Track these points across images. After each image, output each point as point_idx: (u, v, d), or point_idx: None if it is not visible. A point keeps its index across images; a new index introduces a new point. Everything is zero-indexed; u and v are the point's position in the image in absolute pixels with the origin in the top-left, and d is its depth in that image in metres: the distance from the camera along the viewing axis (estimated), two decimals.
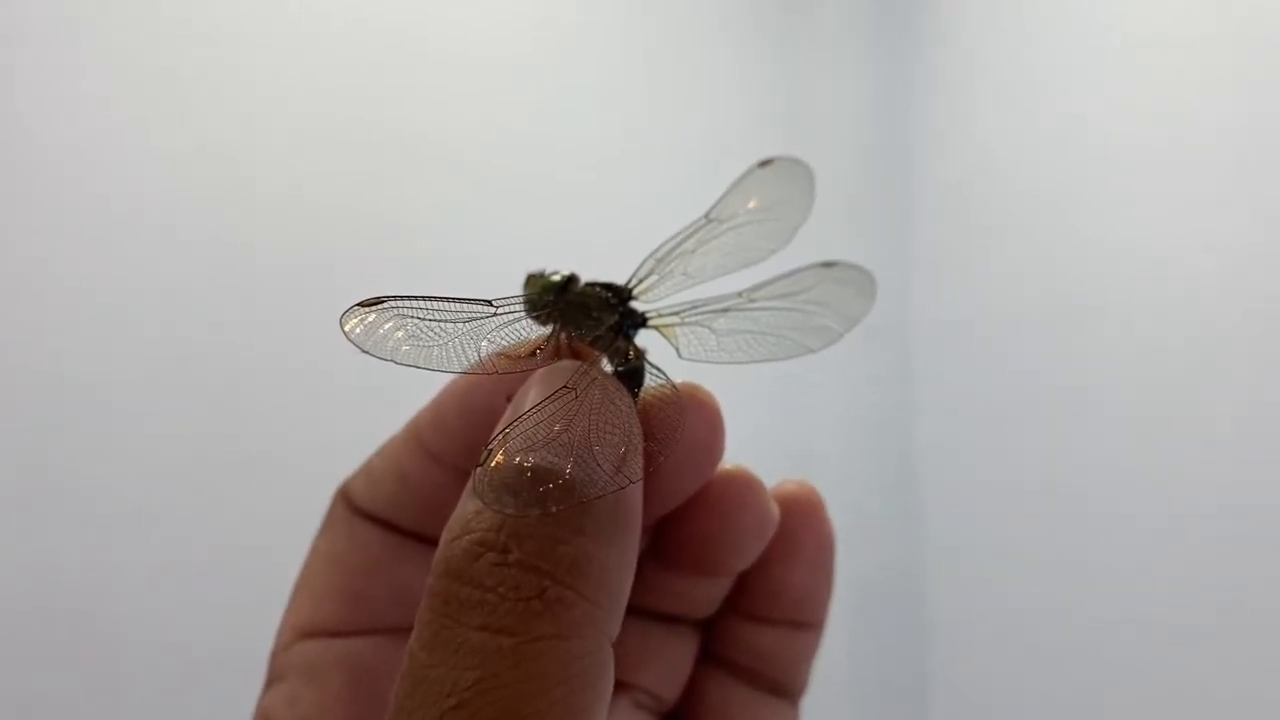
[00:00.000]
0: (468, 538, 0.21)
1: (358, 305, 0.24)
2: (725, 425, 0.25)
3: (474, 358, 0.25)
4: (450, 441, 0.27)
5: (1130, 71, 1.09)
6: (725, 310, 0.29)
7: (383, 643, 0.27)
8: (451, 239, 1.10)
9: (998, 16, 1.28)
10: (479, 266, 0.94)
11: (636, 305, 0.28)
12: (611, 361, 0.27)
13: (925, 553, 1.32)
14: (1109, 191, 1.10)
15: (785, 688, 0.29)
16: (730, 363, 0.29)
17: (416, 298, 0.24)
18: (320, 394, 0.99)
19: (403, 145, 1.08)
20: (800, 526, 0.28)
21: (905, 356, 1.36)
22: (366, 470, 0.28)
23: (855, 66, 1.42)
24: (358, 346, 0.23)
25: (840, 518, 0.29)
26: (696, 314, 0.29)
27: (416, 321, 0.24)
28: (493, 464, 0.21)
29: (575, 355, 0.27)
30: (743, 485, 0.26)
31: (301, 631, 0.27)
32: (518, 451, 0.21)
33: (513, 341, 0.26)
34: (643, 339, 0.28)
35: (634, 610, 0.27)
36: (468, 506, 0.22)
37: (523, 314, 0.26)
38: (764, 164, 0.30)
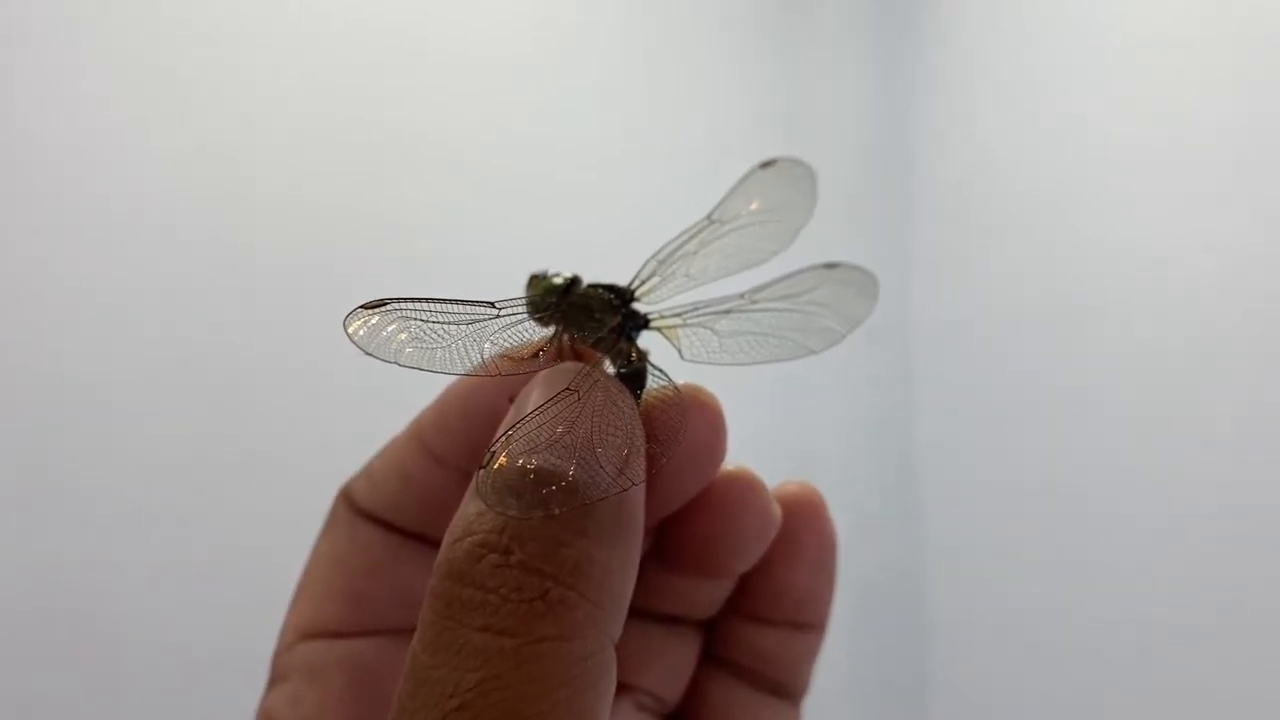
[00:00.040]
0: (470, 539, 0.21)
1: (361, 307, 0.24)
2: (727, 426, 0.25)
3: (477, 359, 0.25)
4: (453, 443, 0.27)
5: (1130, 71, 1.09)
6: (727, 312, 0.29)
7: (385, 644, 0.27)
8: (451, 239, 1.10)
9: (998, 16, 1.28)
10: (479, 267, 0.94)
11: (639, 307, 0.28)
12: (614, 363, 0.27)
13: (925, 553, 1.32)
14: (1109, 191, 1.10)
15: (787, 688, 0.29)
16: (732, 364, 0.29)
17: (420, 299, 0.24)
18: (320, 394, 0.99)
19: (403, 145, 1.08)
20: (802, 527, 0.28)
21: (905, 357, 1.36)
22: (368, 471, 0.28)
23: (855, 66, 1.42)
24: (361, 349, 0.23)
25: (841, 518, 0.29)
26: (699, 315, 0.29)
27: (420, 323, 0.24)
28: (495, 466, 0.21)
29: (578, 357, 0.27)
30: (745, 486, 0.26)
31: (304, 632, 0.27)
32: (520, 453, 0.21)
33: (515, 343, 0.26)
34: (645, 340, 0.28)
35: (636, 612, 0.27)
36: (470, 508, 0.22)
37: (525, 316, 0.26)
38: (766, 165, 0.30)
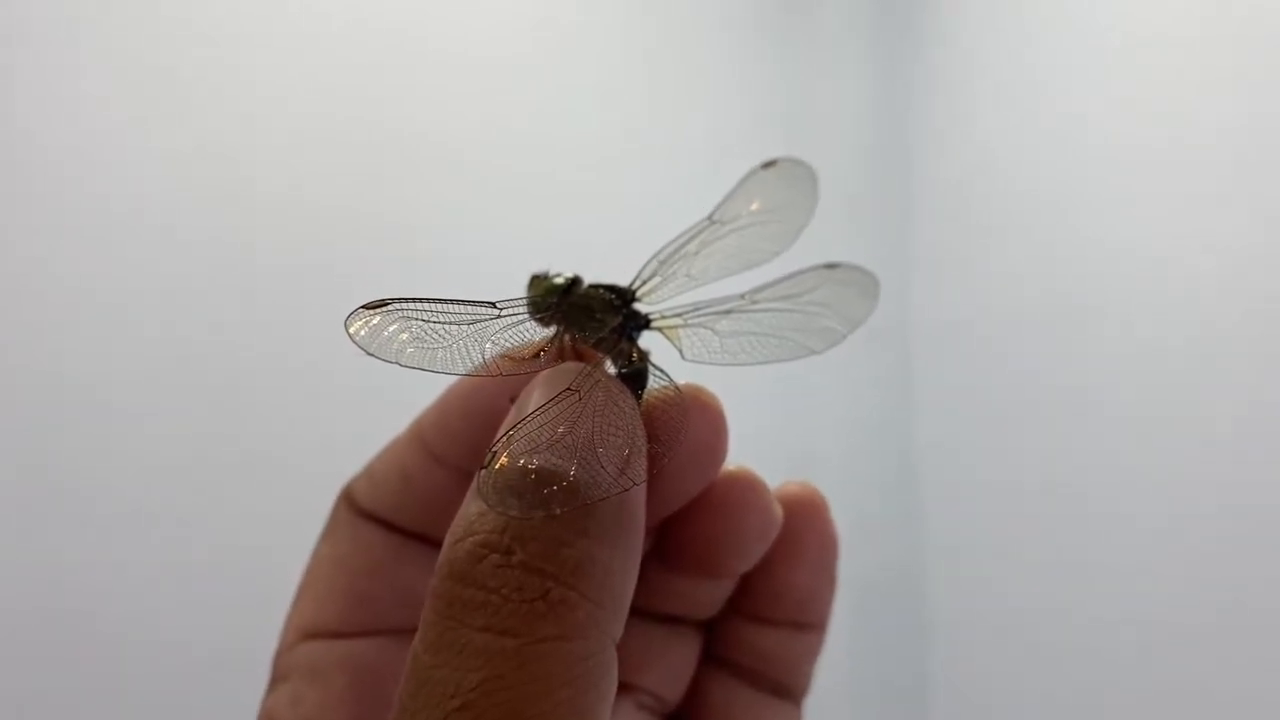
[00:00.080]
0: (471, 539, 0.21)
1: (362, 308, 0.24)
2: (728, 426, 0.25)
3: (478, 360, 0.25)
4: (454, 443, 0.27)
5: (1130, 71, 1.09)
6: (728, 312, 0.29)
7: (386, 644, 0.27)
8: (451, 239, 1.10)
9: (998, 16, 1.28)
10: (479, 267, 0.94)
11: (640, 307, 0.28)
12: (615, 363, 0.27)
13: (925, 553, 1.32)
14: (1109, 191, 1.10)
15: (788, 689, 0.29)
16: (733, 364, 0.29)
17: (421, 300, 0.24)
18: (320, 394, 0.99)
19: (403, 145, 1.08)
20: (803, 528, 0.28)
21: (905, 357, 1.36)
22: (369, 472, 0.28)
23: (855, 66, 1.42)
24: (363, 349, 0.23)
25: (841, 518, 0.29)
26: (699, 316, 0.29)
27: (421, 324, 0.24)
28: (497, 466, 0.21)
29: (579, 357, 0.27)
30: (746, 486, 0.26)
31: (305, 632, 0.27)
32: (522, 453, 0.21)
33: (517, 343, 0.26)
34: (646, 341, 0.28)
35: (637, 612, 0.27)
36: (471, 508, 0.22)
37: (526, 316, 0.26)
38: (767, 165, 0.30)
